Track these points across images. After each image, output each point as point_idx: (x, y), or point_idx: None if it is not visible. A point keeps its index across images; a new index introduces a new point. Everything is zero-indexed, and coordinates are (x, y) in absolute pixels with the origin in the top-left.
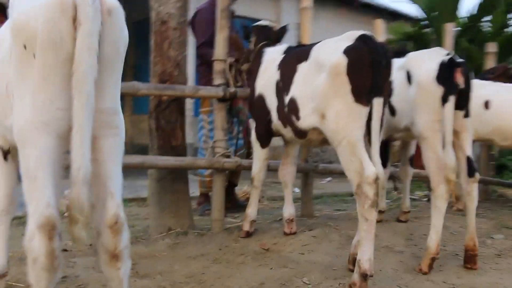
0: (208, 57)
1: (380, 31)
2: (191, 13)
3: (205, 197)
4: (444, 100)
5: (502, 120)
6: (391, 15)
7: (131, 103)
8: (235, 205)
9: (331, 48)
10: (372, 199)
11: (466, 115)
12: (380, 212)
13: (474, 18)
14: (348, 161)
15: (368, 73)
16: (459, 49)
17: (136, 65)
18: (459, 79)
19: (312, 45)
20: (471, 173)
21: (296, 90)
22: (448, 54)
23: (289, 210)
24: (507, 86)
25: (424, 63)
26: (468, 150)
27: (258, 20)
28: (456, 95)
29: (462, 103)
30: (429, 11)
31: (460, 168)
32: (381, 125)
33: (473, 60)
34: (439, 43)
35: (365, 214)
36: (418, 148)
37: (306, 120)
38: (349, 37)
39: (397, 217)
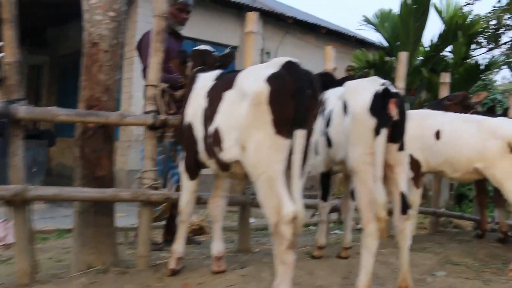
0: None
1: (330, 58)
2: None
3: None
4: (377, 132)
5: (453, 151)
6: (359, 43)
7: None
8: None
9: (255, 76)
10: (289, 240)
11: (401, 148)
12: (320, 248)
13: (436, 48)
14: (265, 198)
15: (290, 103)
16: (421, 78)
17: None
18: (393, 111)
19: (238, 71)
20: (404, 210)
21: (220, 120)
22: (383, 84)
23: (217, 246)
24: (459, 116)
25: (359, 93)
26: (402, 185)
27: (226, 45)
28: (389, 127)
29: (396, 136)
30: (392, 40)
31: (394, 204)
32: (305, 159)
33: (434, 89)
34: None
35: (282, 257)
36: None
37: (228, 152)
38: (275, 64)
39: (338, 253)
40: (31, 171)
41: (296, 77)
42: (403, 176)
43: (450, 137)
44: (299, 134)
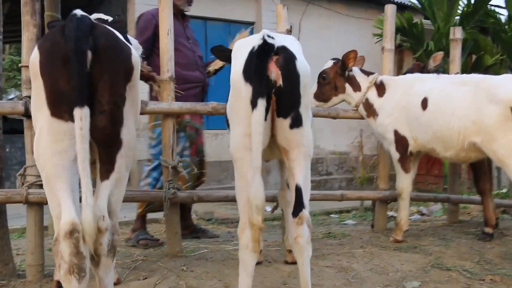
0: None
1: (281, 19)
2: None
3: (142, 222)
4: (253, 104)
5: (441, 122)
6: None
7: None
8: (194, 230)
9: None
10: (67, 261)
11: (295, 124)
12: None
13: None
14: (49, 204)
15: (63, 73)
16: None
17: None
18: (273, 73)
19: None
20: (296, 211)
21: None
22: (268, 37)
23: None
24: (453, 78)
25: (240, 54)
26: (299, 176)
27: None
28: (273, 96)
29: (285, 108)
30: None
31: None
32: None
33: (480, 51)
34: (437, 36)
35: (63, 283)
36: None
37: None
38: None
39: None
40: None
41: (70, 36)
42: (300, 162)
43: (438, 105)
44: (77, 114)
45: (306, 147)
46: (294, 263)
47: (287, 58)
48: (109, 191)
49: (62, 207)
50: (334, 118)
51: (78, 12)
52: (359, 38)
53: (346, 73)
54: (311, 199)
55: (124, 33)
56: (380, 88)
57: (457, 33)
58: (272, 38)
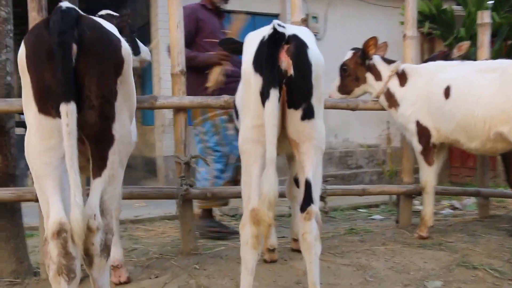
0: (189, 61)
1: (296, 8)
2: None
3: (207, 211)
4: (264, 95)
5: (465, 111)
6: None
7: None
8: (223, 229)
9: None
10: (56, 262)
11: (307, 115)
12: (271, 250)
13: None
14: (40, 204)
15: (48, 67)
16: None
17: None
18: (284, 62)
19: None
20: (304, 205)
21: None
22: (278, 26)
23: (113, 253)
24: (478, 64)
25: (250, 45)
26: (309, 169)
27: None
28: (283, 86)
29: (297, 98)
30: None
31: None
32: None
33: None
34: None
35: (52, 284)
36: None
37: None
38: None
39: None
40: None
41: (54, 29)
42: (311, 156)
43: (461, 92)
44: (63, 110)
45: (317, 140)
46: (299, 250)
47: (298, 47)
48: (102, 189)
49: (50, 206)
50: (353, 109)
51: (64, 4)
52: (388, 27)
53: (367, 62)
54: (332, 194)
55: (131, 32)
56: (402, 77)
57: (485, 17)
58: (283, 27)
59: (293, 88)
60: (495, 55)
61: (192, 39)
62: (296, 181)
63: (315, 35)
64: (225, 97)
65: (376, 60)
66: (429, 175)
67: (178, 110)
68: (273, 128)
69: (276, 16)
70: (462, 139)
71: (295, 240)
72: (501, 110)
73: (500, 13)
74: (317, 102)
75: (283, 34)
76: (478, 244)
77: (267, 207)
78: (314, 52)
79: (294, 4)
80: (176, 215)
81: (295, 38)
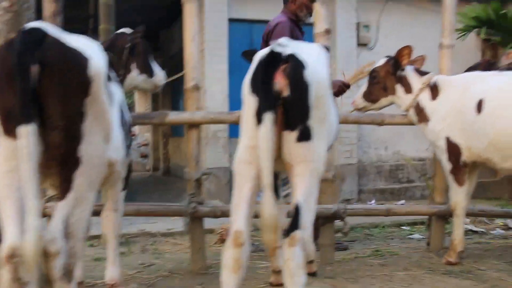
0: None
1: (320, 18)
2: None
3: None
4: (258, 116)
5: (498, 128)
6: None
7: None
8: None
9: None
10: (7, 287)
11: (302, 137)
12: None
13: None
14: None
15: (9, 88)
16: None
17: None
18: (280, 83)
19: None
20: (288, 229)
21: None
22: (277, 45)
23: (111, 272)
24: (507, 75)
25: (254, 63)
26: (300, 193)
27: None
28: (279, 108)
29: (293, 120)
30: None
31: None
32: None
33: None
34: None
35: None
36: None
37: None
38: None
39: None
40: None
41: (13, 51)
42: (304, 179)
43: (496, 107)
44: (20, 132)
45: (314, 163)
46: (310, 273)
47: (294, 67)
48: (66, 212)
49: (5, 229)
50: (379, 124)
51: (29, 24)
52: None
53: (398, 72)
54: (353, 214)
55: (146, 53)
56: (434, 90)
57: None
58: (284, 46)
59: (288, 109)
60: None
61: None
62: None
63: (365, 45)
64: (238, 113)
65: (409, 71)
66: (459, 196)
67: (191, 126)
68: (267, 153)
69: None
70: (495, 159)
71: (275, 273)
72: None
73: None
74: (317, 123)
75: (279, 54)
76: (490, 279)
77: (270, 231)
78: (315, 72)
79: (318, 14)
80: (208, 230)
81: (292, 58)
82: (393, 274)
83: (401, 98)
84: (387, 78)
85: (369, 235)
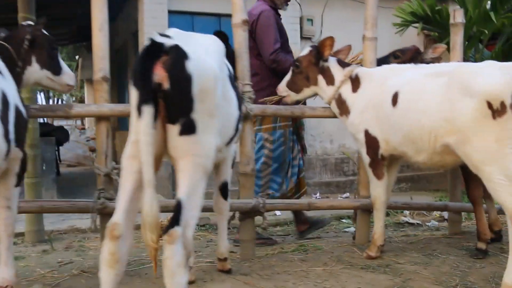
0: (287, 64)
1: (237, 8)
2: None
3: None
4: (139, 110)
5: (411, 121)
6: None
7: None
8: (312, 223)
9: None
10: None
11: (185, 131)
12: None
13: None
14: None
15: None
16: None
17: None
18: (158, 75)
19: None
20: (167, 227)
21: None
22: (161, 36)
23: (2, 273)
24: (429, 68)
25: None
26: (183, 188)
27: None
28: (161, 101)
29: (173, 113)
30: None
31: None
32: None
33: None
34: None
35: None
36: None
37: None
38: None
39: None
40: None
41: None
42: (187, 174)
43: (409, 100)
44: None
45: (199, 157)
46: (224, 271)
47: (175, 59)
48: None
49: None
50: (299, 117)
51: None
52: (389, 29)
53: (321, 63)
54: (272, 209)
55: (51, 48)
56: (355, 82)
57: (457, 17)
58: (168, 37)
59: (169, 102)
60: (494, 58)
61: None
62: (222, 191)
63: (309, 38)
64: None
65: (331, 63)
66: (378, 190)
67: (99, 119)
68: (147, 147)
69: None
70: (410, 152)
71: (220, 260)
72: (446, 119)
73: (499, 12)
74: (203, 116)
75: (160, 45)
76: (430, 265)
77: (149, 230)
78: (201, 64)
79: (235, 4)
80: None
81: (174, 49)
82: (311, 269)
83: (323, 89)
84: (309, 68)
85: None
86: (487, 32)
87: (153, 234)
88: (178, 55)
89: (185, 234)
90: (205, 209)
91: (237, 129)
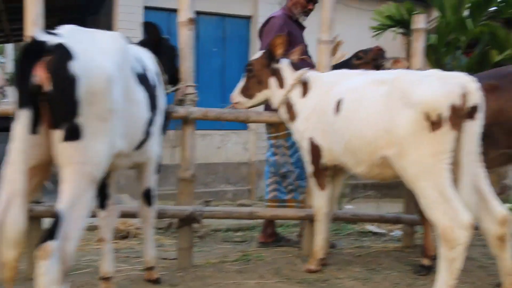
0: None
1: (183, 6)
2: None
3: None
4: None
5: (351, 130)
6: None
7: None
8: (277, 239)
9: None
10: None
11: (68, 137)
12: (105, 279)
13: None
14: None
15: None
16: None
17: None
18: (40, 77)
19: None
20: (40, 241)
21: None
22: (48, 34)
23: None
24: (374, 74)
25: None
26: (65, 199)
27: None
28: (42, 104)
29: (55, 118)
30: None
31: None
32: None
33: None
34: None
35: None
36: None
37: None
38: None
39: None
40: None
41: None
42: (72, 183)
43: (350, 109)
44: None
45: (84, 165)
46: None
47: (58, 58)
48: None
49: None
50: (244, 122)
51: None
52: (361, 31)
53: (273, 65)
54: (211, 217)
55: None
56: (305, 87)
57: (419, 22)
58: (55, 34)
59: (52, 106)
60: (470, 65)
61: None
62: (146, 198)
63: None
64: None
65: (284, 65)
66: (320, 200)
67: None
68: (19, 155)
69: (248, 18)
70: (349, 163)
71: (147, 269)
72: (386, 130)
73: (477, 20)
74: (92, 121)
75: (41, 44)
76: (370, 281)
77: (8, 245)
78: (90, 64)
79: (181, 2)
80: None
81: (58, 48)
82: (244, 282)
83: (274, 93)
84: (261, 71)
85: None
86: (464, 39)
87: (13, 250)
88: (61, 55)
89: (64, 248)
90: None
91: (148, 133)
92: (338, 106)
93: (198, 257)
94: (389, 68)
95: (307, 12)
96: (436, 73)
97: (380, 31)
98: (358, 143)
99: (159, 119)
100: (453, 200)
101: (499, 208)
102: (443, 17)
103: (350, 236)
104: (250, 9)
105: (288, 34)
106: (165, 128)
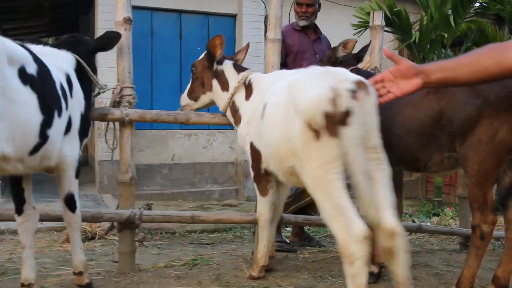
0: None
1: (119, 6)
2: None
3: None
4: None
5: (268, 137)
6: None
7: None
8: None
9: None
10: None
11: None
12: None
13: None
14: None
15: None
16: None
17: None
18: None
19: None
20: None
21: None
22: None
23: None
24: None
25: None
26: None
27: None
28: None
29: None
30: None
31: None
32: None
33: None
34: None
35: None
36: None
37: None
38: None
39: None
40: None
41: None
42: None
43: (269, 114)
44: None
45: None
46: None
47: None
48: None
49: None
50: (184, 123)
51: None
52: (344, 29)
53: (215, 66)
54: (150, 221)
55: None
56: (248, 89)
57: (376, 20)
58: None
59: None
60: None
61: (284, 62)
62: (68, 204)
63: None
64: None
65: (226, 66)
66: (263, 206)
67: None
68: None
69: (233, 16)
70: (274, 169)
71: (76, 274)
72: (285, 138)
73: (462, 16)
74: None
75: None
76: None
77: None
78: None
79: (118, 1)
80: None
81: None
82: None
83: (219, 96)
84: (204, 72)
85: (239, 237)
86: (448, 36)
87: None
88: None
89: None
90: None
91: (45, 136)
92: (263, 110)
93: (151, 260)
94: (341, 52)
95: (303, 16)
96: (327, 71)
97: (362, 29)
98: (273, 150)
99: (62, 122)
100: (348, 212)
101: (388, 219)
102: (426, 13)
103: (327, 238)
104: (235, 8)
105: (285, 46)
106: (85, 131)
